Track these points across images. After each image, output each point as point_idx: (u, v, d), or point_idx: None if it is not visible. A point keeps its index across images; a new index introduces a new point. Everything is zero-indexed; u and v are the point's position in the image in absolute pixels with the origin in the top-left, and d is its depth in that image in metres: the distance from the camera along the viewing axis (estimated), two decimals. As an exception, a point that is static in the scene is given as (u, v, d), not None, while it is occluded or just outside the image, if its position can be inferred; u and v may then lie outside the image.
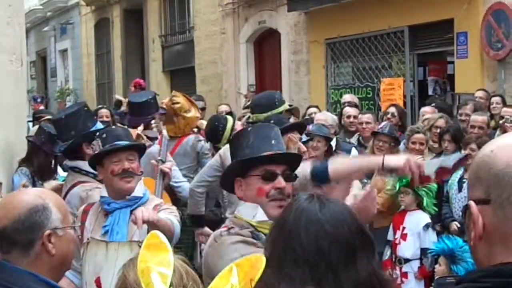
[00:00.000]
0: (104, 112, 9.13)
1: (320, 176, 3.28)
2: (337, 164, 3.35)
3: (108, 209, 3.97)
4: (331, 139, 7.16)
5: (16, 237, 2.39)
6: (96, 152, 4.13)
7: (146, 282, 1.94)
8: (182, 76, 17.83)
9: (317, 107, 9.76)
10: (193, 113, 7.01)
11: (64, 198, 4.87)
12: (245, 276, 1.96)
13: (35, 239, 2.39)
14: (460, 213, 6.60)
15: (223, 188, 3.27)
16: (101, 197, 4.04)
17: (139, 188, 4.03)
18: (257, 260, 2.01)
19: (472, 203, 1.62)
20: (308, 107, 9.73)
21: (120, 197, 3.99)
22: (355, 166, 3.44)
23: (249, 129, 3.21)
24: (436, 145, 7.48)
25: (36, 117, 9.59)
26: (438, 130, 7.47)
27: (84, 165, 4.62)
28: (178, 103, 6.90)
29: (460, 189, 6.68)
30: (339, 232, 2.01)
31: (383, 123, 7.52)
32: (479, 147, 6.42)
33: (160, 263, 1.98)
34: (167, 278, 1.96)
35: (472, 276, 1.62)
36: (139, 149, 4.23)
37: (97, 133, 4.26)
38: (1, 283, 2.28)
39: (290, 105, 6.40)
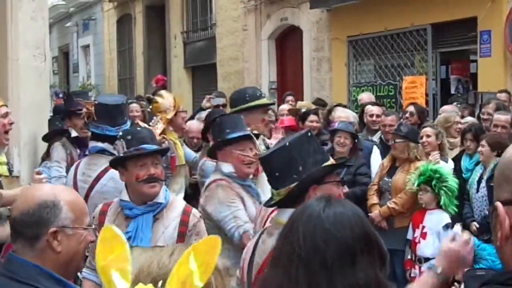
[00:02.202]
0: (135, 107, 8.97)
1: None
2: None
3: (130, 214, 3.86)
4: (357, 136, 7.21)
5: (22, 229, 2.43)
6: (121, 154, 3.96)
7: (107, 280, 1.90)
8: (203, 72, 17.84)
9: (345, 106, 9.73)
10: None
11: (97, 180, 4.79)
12: (203, 260, 1.93)
13: (40, 234, 2.42)
14: (480, 213, 6.58)
15: (291, 200, 2.95)
16: (121, 200, 3.92)
17: (162, 194, 3.91)
18: (213, 241, 1.98)
19: (499, 204, 1.58)
20: (335, 105, 9.70)
21: (141, 202, 3.87)
22: None
23: (309, 134, 3.09)
24: (451, 140, 7.49)
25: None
26: (459, 126, 7.47)
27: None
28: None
29: (478, 189, 6.65)
30: (339, 233, 1.96)
31: (398, 123, 7.50)
32: (489, 144, 6.49)
33: (117, 258, 1.94)
34: (127, 273, 1.92)
35: (499, 278, 1.59)
36: (163, 153, 4.20)
37: (121, 133, 4.12)
38: (6, 274, 2.31)
39: (272, 103, 6.37)
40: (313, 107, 9.42)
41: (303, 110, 8.64)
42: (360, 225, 2.01)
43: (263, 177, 4.84)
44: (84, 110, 5.14)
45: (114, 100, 5.17)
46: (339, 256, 1.92)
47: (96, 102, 5.06)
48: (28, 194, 2.54)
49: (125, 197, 3.91)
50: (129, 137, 3.95)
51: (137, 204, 3.87)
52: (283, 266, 1.97)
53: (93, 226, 2.62)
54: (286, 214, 2.87)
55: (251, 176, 4.72)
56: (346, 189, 3.09)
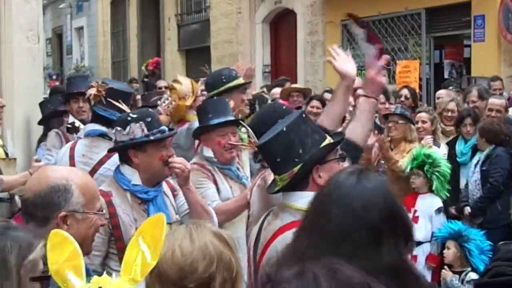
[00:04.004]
0: None
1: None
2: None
3: (148, 197, 3.85)
4: None
5: (34, 211, 2.46)
6: (137, 136, 3.80)
7: (62, 282, 1.93)
8: (197, 55, 17.79)
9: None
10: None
11: (101, 164, 4.61)
12: (152, 240, 1.96)
13: (50, 218, 2.44)
14: (472, 197, 6.65)
15: (295, 183, 2.95)
16: (133, 185, 3.85)
17: None
18: (157, 220, 2.01)
19: None
20: (324, 92, 9.70)
21: (153, 184, 3.90)
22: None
23: (303, 115, 3.06)
24: (448, 128, 7.48)
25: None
26: (450, 113, 7.48)
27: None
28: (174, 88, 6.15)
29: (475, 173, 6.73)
30: (368, 215, 1.98)
31: (392, 106, 7.49)
32: (480, 134, 6.61)
33: (69, 258, 1.96)
34: (80, 270, 1.95)
35: (507, 255, 1.60)
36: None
37: (134, 115, 3.92)
38: None
39: (248, 82, 6.07)
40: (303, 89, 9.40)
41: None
42: (389, 205, 2.03)
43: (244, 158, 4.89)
44: (92, 92, 4.86)
45: (127, 88, 5.14)
46: (366, 238, 1.95)
47: (110, 87, 4.81)
48: (42, 175, 2.55)
49: (137, 181, 3.86)
50: (149, 119, 3.85)
51: (149, 187, 3.89)
52: (315, 242, 1.99)
53: (104, 211, 2.62)
54: (293, 197, 2.90)
55: (237, 160, 4.73)
56: (346, 163, 3.08)
